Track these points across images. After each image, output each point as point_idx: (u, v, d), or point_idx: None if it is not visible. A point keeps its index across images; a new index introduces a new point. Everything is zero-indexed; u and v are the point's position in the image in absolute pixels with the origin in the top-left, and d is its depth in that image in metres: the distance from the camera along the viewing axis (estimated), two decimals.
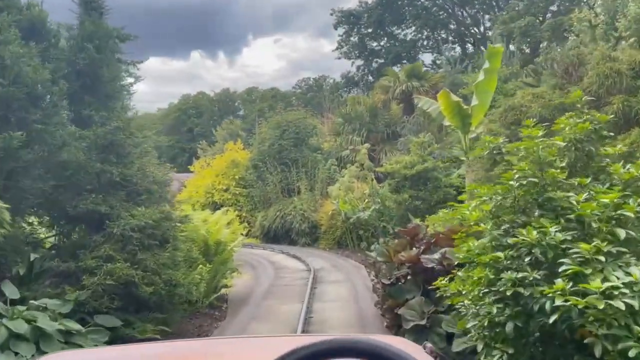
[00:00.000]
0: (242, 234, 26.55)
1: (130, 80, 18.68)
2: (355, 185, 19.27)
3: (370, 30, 55.79)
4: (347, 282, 12.88)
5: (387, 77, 27.05)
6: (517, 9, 34.46)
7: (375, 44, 57.15)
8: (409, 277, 8.59)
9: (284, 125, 25.10)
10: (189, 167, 31.04)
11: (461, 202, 6.02)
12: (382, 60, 53.48)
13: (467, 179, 15.85)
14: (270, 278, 13.86)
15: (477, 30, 53.83)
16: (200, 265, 9.97)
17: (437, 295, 8.04)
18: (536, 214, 4.24)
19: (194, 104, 54.95)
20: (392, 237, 19.17)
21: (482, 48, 44.46)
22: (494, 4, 49.28)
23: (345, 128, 27.09)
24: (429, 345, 2.17)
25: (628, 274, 3.41)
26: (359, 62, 56.63)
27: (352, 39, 57.22)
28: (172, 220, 8.35)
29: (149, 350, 2.30)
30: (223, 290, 10.40)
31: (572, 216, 3.97)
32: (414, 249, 9.38)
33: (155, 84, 78.97)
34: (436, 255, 8.10)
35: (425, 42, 56.98)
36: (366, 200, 19.47)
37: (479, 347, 4.26)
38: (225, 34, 78.53)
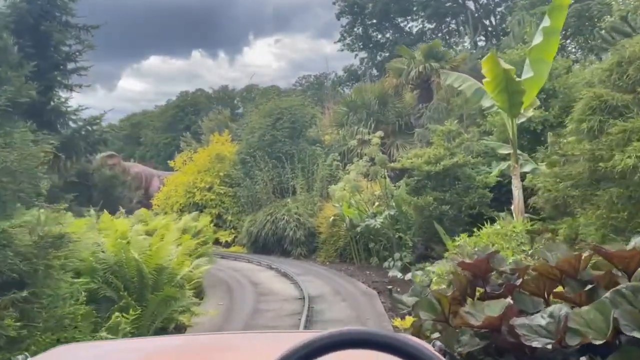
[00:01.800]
0: (225, 241, 22.54)
1: (78, 47, 14.65)
2: (363, 185, 15.29)
3: (374, 20, 52.49)
4: (356, 324, 8.88)
5: (400, 59, 23.05)
6: None
7: (380, 36, 53.84)
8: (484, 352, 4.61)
9: (277, 113, 21.09)
10: (168, 162, 27.07)
11: None
12: (387, 54, 50.03)
13: (515, 180, 11.91)
14: (247, 313, 9.87)
15: (490, 22, 50.22)
16: (117, 314, 5.98)
17: None
18: None
19: (192, 101, 52.01)
20: (411, 251, 15.24)
21: (494, 41, 40.75)
22: None
23: (349, 118, 23.10)
24: (438, 343, 2.10)
25: None
26: (363, 54, 53.38)
27: (355, 29, 53.99)
28: (13, 244, 4.28)
29: (165, 342, 2.32)
30: None
31: None
32: (478, 290, 5.43)
33: (156, 82, 77.40)
34: (542, 320, 4.13)
35: (433, 35, 53.42)
36: (376, 204, 15.49)
37: None
38: (226, 34, 76.21)
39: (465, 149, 15.90)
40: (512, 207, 12.07)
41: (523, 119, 12.50)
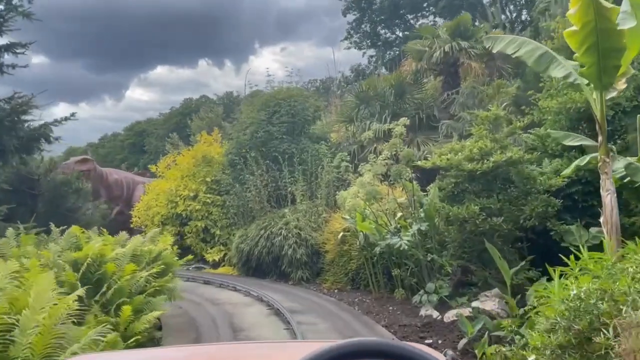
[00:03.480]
0: (213, 260, 18.81)
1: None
2: (381, 190, 11.55)
3: (383, 17, 49.27)
4: None
5: (420, 40, 19.37)
6: None
7: (389, 33, 50.61)
8: None
9: (274, 106, 17.45)
10: (148, 166, 23.52)
11: None
12: (397, 51, 46.63)
13: (607, 180, 8.22)
14: None
15: (507, 16, 46.54)
16: None
17: None
18: None
19: (195, 108, 49.36)
20: (449, 279, 11.50)
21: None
22: None
23: (360, 112, 19.44)
24: (450, 352, 2.28)
25: None
26: (371, 52, 50.15)
27: (363, 27, 50.84)
28: None
29: (177, 353, 2.31)
30: None
31: None
32: None
33: (163, 91, 77.62)
34: None
35: None
36: (399, 215, 11.75)
37: None
38: (232, 43, 75.03)
39: (515, 142, 12.22)
40: (602, 221, 8.33)
41: (613, 94, 8.75)
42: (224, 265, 18.17)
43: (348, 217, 12.20)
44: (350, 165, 16.50)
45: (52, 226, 9.70)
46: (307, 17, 73.41)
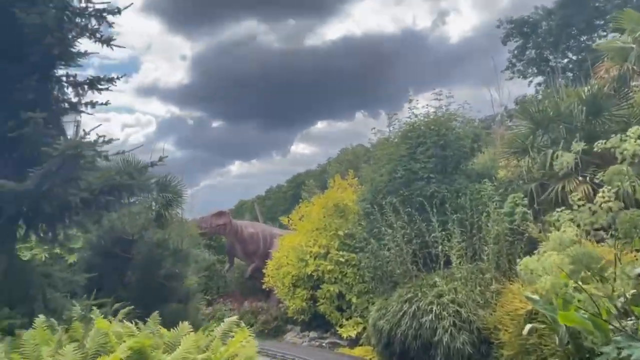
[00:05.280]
0: (349, 336, 14.82)
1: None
2: (604, 254, 6.77)
3: (551, 39, 43.14)
4: None
5: (616, 40, 14.03)
6: None
7: (559, 58, 44.04)
8: None
9: (417, 137, 13.50)
10: (280, 218, 20.90)
11: None
12: (571, 75, 39.67)
13: None
14: None
15: None
16: None
17: None
18: None
19: (352, 156, 49.02)
20: None
21: None
22: None
23: (536, 140, 14.51)
24: None
25: None
26: (538, 79, 44.09)
27: (527, 53, 45.22)
28: None
29: None
30: None
31: None
32: None
33: (323, 144, 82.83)
34: None
35: None
36: (631, 292, 6.73)
37: None
38: (386, 93, 78.13)
39: None
40: None
41: None
42: (362, 344, 14.23)
43: (536, 297, 7.54)
44: (529, 212, 11.71)
45: (75, 308, 6.80)
46: (461, 59, 71.38)
